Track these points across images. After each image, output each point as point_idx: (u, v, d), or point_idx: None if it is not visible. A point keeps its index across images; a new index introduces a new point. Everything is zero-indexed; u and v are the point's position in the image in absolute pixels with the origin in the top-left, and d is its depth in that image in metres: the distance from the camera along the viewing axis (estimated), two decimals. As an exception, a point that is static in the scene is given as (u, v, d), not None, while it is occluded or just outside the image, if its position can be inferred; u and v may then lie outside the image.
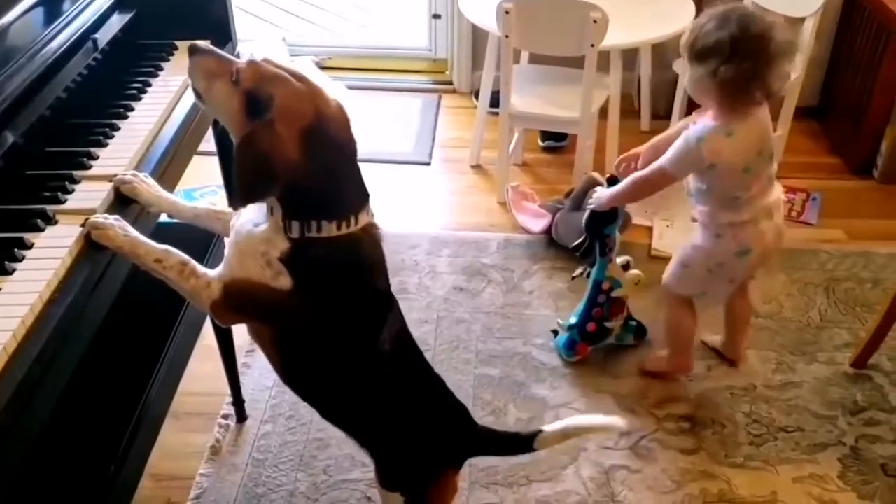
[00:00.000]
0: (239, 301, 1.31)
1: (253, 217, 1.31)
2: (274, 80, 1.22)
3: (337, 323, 1.32)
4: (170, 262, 1.31)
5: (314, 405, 1.50)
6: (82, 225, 1.24)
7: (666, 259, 2.62)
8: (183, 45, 1.77)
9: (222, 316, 1.36)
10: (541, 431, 1.53)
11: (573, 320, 2.26)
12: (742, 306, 2.21)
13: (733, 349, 2.26)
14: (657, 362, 2.24)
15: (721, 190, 1.90)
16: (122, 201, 1.34)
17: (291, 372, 1.43)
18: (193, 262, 1.32)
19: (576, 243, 2.19)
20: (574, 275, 2.32)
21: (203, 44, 1.31)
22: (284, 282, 1.27)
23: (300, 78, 1.24)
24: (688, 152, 1.84)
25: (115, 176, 1.35)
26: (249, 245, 1.29)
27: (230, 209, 1.44)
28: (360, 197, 1.32)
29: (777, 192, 1.97)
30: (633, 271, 2.21)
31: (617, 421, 1.54)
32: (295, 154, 1.20)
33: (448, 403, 1.53)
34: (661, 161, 1.91)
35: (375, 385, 1.41)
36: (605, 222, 2.12)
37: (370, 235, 1.33)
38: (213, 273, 1.32)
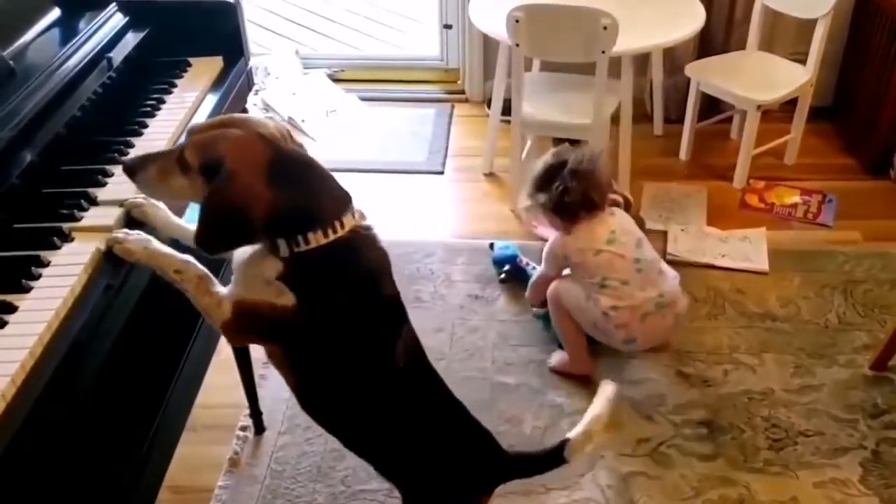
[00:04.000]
0: (248, 321, 1.32)
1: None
2: (213, 141, 1.23)
3: (347, 330, 1.32)
4: (188, 275, 1.32)
5: (335, 433, 1.50)
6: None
7: (681, 263, 2.63)
8: (196, 62, 1.80)
9: (233, 336, 1.38)
10: (567, 440, 1.50)
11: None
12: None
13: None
14: (562, 363, 2.28)
15: (582, 272, 2.15)
16: (134, 222, 1.36)
17: (308, 394, 1.43)
18: (211, 278, 1.33)
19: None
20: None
21: (132, 159, 1.32)
22: (288, 299, 1.28)
23: (233, 124, 1.26)
24: (548, 254, 2.25)
25: (127, 200, 1.37)
26: (248, 267, 1.31)
27: None
28: (339, 202, 1.31)
29: (670, 287, 2.16)
30: None
31: (609, 389, 1.54)
32: (264, 191, 1.21)
33: (470, 427, 1.51)
34: (541, 268, 2.34)
35: (392, 405, 1.40)
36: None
37: (362, 236, 1.32)
38: (224, 292, 1.33)
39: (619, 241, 2.13)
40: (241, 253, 1.32)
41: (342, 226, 1.29)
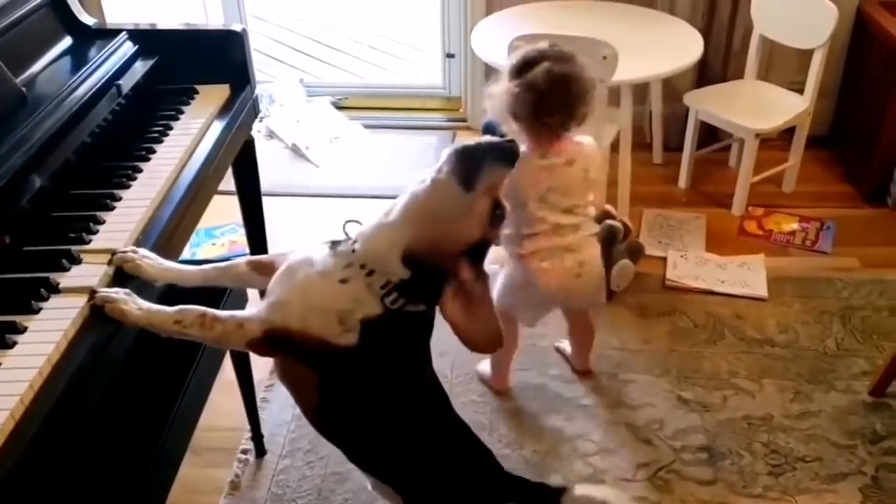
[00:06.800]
0: (283, 345, 1.28)
1: (326, 267, 1.29)
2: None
3: (388, 374, 1.34)
4: (188, 320, 1.26)
5: (345, 447, 1.50)
6: (90, 298, 1.22)
7: (680, 290, 2.66)
8: (203, 90, 1.84)
9: (260, 351, 1.32)
10: (567, 489, 1.51)
11: None
12: (579, 326, 2.30)
13: (578, 360, 2.36)
14: (483, 374, 2.32)
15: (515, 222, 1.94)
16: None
17: (329, 415, 1.40)
18: (211, 310, 1.29)
19: None
20: None
21: (510, 142, 1.36)
22: (350, 339, 1.25)
23: None
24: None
25: (116, 254, 1.31)
26: (325, 297, 1.26)
27: (238, 260, 1.46)
28: None
29: (577, 238, 1.98)
30: None
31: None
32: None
33: (475, 447, 1.53)
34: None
35: (412, 424, 1.42)
36: None
37: None
38: (246, 313, 1.29)
39: (553, 200, 1.93)
40: (315, 281, 1.28)
41: None
